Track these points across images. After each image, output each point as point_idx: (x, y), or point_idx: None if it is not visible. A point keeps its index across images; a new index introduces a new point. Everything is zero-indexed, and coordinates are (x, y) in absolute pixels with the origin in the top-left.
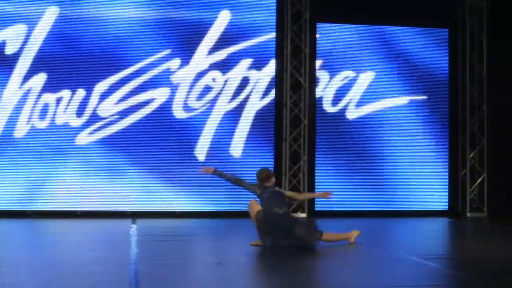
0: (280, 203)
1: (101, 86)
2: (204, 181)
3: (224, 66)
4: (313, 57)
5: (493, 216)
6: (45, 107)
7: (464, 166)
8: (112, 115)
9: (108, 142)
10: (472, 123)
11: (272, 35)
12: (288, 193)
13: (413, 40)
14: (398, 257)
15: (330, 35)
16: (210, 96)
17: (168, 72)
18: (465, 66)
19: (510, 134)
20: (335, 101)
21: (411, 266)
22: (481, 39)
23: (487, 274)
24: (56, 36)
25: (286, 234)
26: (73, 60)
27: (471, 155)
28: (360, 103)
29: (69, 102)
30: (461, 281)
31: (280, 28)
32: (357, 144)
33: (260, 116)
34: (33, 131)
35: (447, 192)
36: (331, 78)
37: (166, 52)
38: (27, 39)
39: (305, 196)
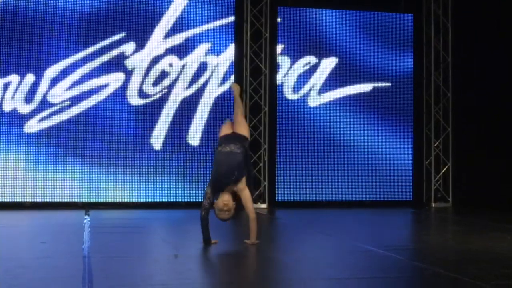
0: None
1: (52, 71)
2: (160, 171)
3: (181, 50)
4: (273, 42)
5: (458, 207)
6: None
7: (429, 155)
8: (63, 101)
9: (59, 130)
10: (437, 111)
11: (231, 19)
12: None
13: (377, 25)
14: (360, 249)
15: (291, 19)
16: (166, 82)
17: (122, 57)
18: (430, 52)
19: (476, 122)
20: (297, 87)
21: (374, 257)
22: (446, 25)
23: (450, 265)
24: (3, 19)
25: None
26: (21, 43)
27: (436, 144)
28: (322, 90)
29: (17, 88)
30: (425, 273)
31: (239, 12)
32: (319, 132)
33: (219, 103)
34: None
35: (411, 182)
36: (292, 64)
37: (121, 35)
38: None
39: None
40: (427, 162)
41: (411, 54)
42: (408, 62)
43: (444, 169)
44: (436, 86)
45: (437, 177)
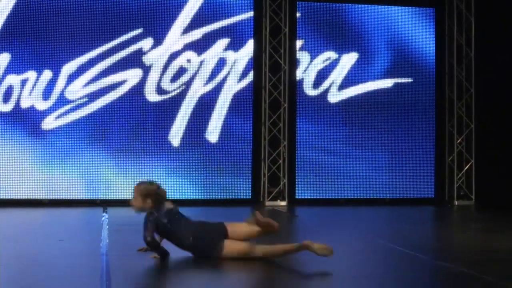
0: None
1: (69, 67)
2: (178, 168)
3: (200, 46)
4: (293, 37)
5: (481, 204)
6: (9, 89)
7: (452, 152)
8: (81, 98)
9: (77, 127)
10: (460, 107)
11: (250, 14)
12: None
13: (398, 19)
14: (383, 247)
15: (311, 14)
16: (184, 78)
17: (140, 53)
18: (453, 47)
19: (499, 118)
20: (316, 83)
21: (397, 256)
22: (469, 19)
23: (474, 264)
24: (20, 14)
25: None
26: (39, 40)
27: (459, 141)
28: (342, 86)
29: (35, 84)
30: (449, 272)
31: (258, 7)
32: (339, 129)
33: (238, 99)
34: None
35: (433, 179)
36: (312, 60)
37: (138, 31)
38: None
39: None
40: (449, 159)
41: (433, 49)
42: (430, 57)
43: (467, 166)
44: (459, 82)
45: (460, 175)
